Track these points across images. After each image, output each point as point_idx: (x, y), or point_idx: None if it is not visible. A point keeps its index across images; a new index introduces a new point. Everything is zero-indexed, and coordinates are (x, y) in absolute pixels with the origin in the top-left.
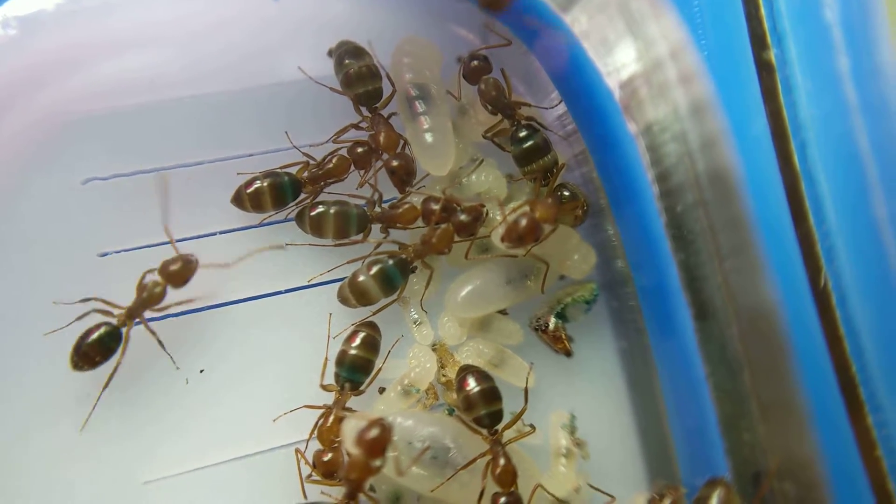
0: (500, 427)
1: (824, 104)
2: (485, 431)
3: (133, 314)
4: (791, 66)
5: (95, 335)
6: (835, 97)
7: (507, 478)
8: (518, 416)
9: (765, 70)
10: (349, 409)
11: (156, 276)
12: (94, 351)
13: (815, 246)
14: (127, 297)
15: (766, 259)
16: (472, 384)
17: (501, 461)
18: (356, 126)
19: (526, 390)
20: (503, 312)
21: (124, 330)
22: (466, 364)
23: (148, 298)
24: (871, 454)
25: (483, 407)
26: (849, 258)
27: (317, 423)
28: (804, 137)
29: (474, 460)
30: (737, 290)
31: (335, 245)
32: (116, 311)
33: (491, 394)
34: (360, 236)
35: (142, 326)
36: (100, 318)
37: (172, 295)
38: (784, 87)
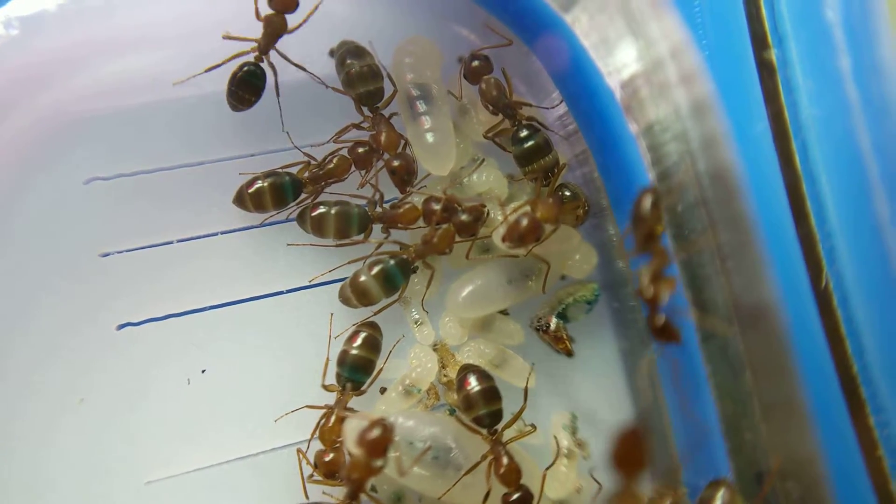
0: (499, 427)
1: (825, 104)
2: (484, 431)
3: (265, 48)
4: (792, 66)
5: (240, 74)
6: (836, 97)
7: (513, 476)
8: (517, 416)
9: (766, 70)
10: (351, 410)
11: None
12: (243, 90)
13: (817, 246)
14: (128, 298)
15: (768, 259)
16: (472, 383)
17: (505, 460)
18: (357, 126)
19: (525, 389)
20: (504, 312)
21: (264, 64)
22: (467, 363)
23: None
24: (873, 454)
25: (483, 406)
26: (850, 258)
27: (318, 423)
28: (805, 137)
29: (478, 464)
30: (738, 290)
31: (336, 245)
32: (249, 47)
33: (491, 393)
34: (361, 236)
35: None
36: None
37: (171, 298)
38: (785, 88)
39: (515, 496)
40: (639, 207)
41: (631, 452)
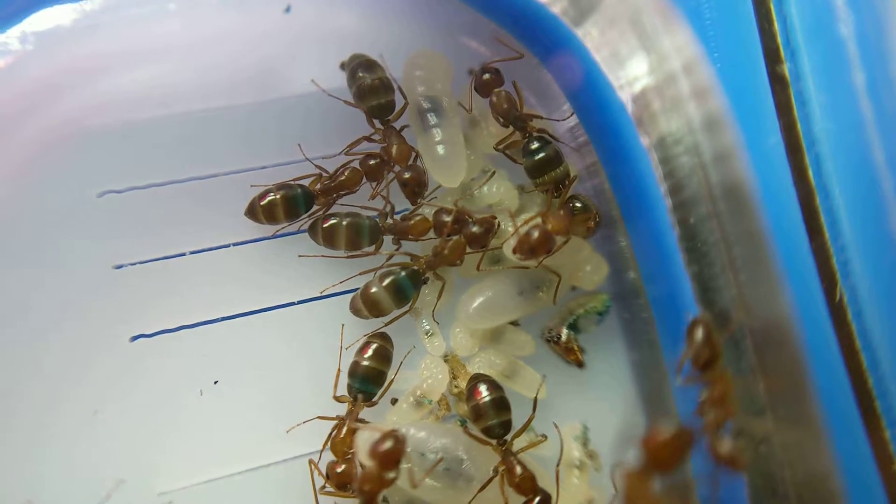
0: (508, 437)
1: (839, 118)
2: (494, 442)
3: None
4: (805, 80)
5: None
6: (849, 111)
7: (528, 484)
8: (525, 426)
9: (778, 84)
10: (362, 421)
11: None
12: None
13: (831, 259)
14: (141, 310)
15: (782, 272)
16: (482, 393)
17: (518, 469)
18: (368, 138)
19: (535, 399)
20: (515, 324)
21: None
22: (476, 373)
23: None
24: (889, 468)
25: (493, 416)
26: (864, 272)
27: (330, 434)
28: (819, 151)
29: (492, 478)
30: (752, 303)
31: (348, 257)
32: None
33: (500, 403)
34: (372, 248)
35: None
36: None
37: (184, 310)
38: (798, 101)
39: (536, 502)
40: (692, 339)
41: (669, 454)
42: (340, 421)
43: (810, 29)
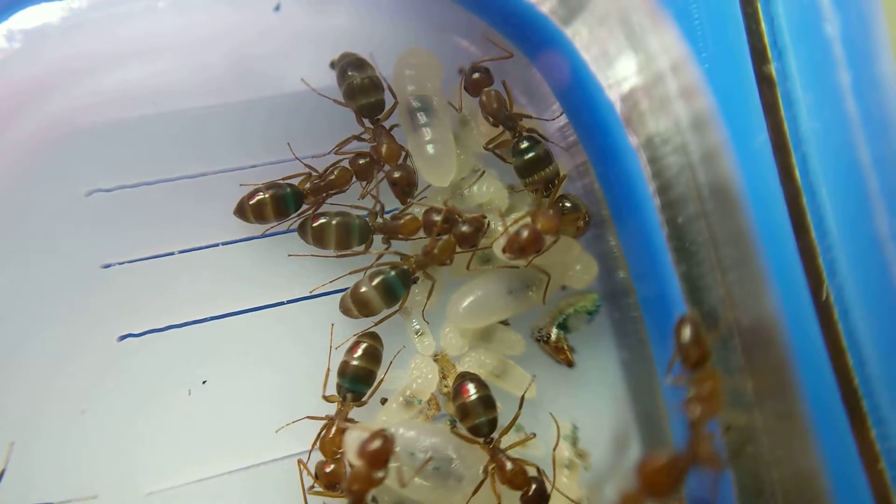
0: (495, 435)
1: (825, 117)
2: (481, 441)
3: None
4: (791, 79)
5: None
6: (835, 110)
7: (520, 478)
8: (511, 423)
9: (765, 84)
10: (351, 420)
11: None
12: None
13: (817, 258)
14: (130, 309)
15: (768, 271)
16: (468, 392)
17: (508, 465)
18: (358, 137)
19: (522, 398)
20: (505, 323)
21: None
22: (463, 371)
23: None
24: (874, 467)
25: (481, 414)
26: (850, 271)
27: (319, 434)
28: (805, 150)
29: (483, 481)
30: (739, 302)
31: (337, 256)
32: None
33: (487, 401)
34: (362, 247)
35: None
36: None
37: (172, 309)
38: (785, 101)
39: (532, 491)
40: (679, 337)
41: (664, 480)
42: (329, 421)
43: (797, 29)
